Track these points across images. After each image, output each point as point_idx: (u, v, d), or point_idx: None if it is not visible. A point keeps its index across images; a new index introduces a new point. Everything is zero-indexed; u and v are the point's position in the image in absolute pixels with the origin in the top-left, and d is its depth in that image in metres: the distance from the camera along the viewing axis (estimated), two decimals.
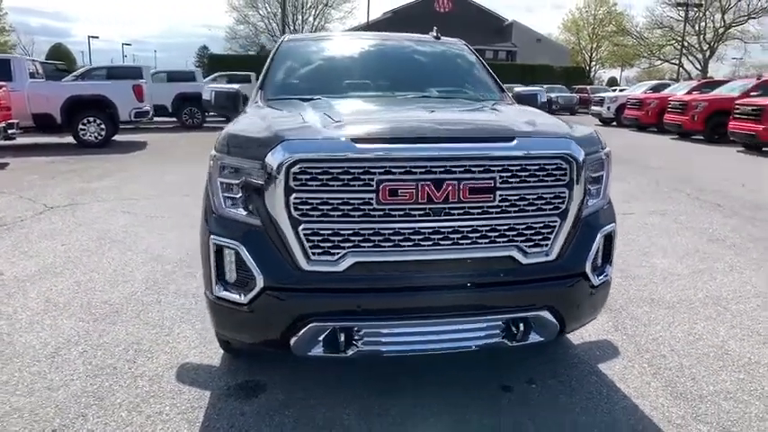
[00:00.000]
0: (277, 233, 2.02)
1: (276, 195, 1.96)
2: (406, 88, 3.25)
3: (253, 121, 2.31)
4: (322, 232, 1.99)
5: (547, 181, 2.08)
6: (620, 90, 27.96)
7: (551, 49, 53.31)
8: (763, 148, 12.26)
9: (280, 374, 2.61)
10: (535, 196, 2.07)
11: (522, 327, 2.15)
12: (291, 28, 43.68)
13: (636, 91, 21.27)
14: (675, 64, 43.91)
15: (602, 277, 2.32)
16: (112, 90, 10.81)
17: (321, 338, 2.07)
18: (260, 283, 2.03)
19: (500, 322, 2.13)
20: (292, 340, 2.07)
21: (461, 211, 2.02)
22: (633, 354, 2.87)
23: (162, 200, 6.43)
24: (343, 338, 2.05)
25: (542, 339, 2.25)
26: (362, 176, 1.95)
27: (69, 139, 11.39)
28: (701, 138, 14.40)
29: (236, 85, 3.54)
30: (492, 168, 2.00)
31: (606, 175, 2.37)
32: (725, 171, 9.37)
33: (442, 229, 2.02)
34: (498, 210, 2.04)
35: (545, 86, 24.67)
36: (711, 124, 14.05)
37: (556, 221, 2.13)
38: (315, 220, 1.98)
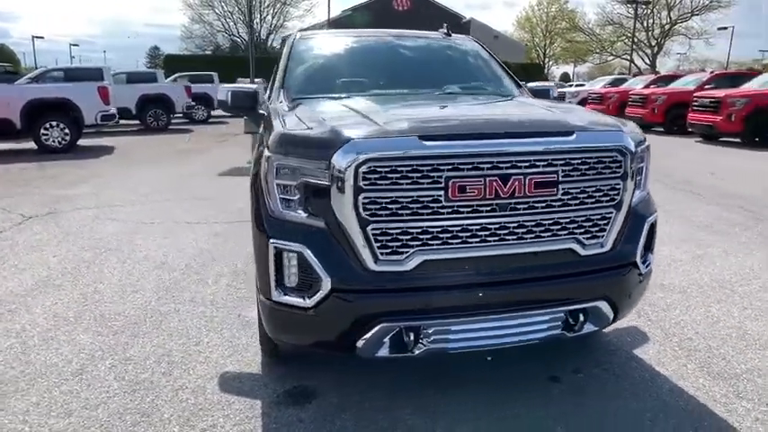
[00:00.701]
0: (343, 234, 1.98)
1: (344, 196, 1.92)
2: (430, 85, 3.24)
3: (303, 120, 2.25)
4: (391, 232, 1.97)
5: (604, 173, 2.12)
6: (577, 86, 28.87)
7: (508, 45, 54.37)
8: (721, 138, 12.94)
9: (327, 378, 2.56)
10: (593, 189, 2.12)
11: (581, 318, 2.20)
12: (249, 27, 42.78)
13: (596, 86, 22.00)
14: (626, 59, 45.67)
15: (646, 266, 2.39)
16: (77, 93, 10.30)
17: (388, 339, 2.05)
18: (327, 285, 1.99)
19: (562, 314, 2.17)
20: (360, 342, 2.04)
21: (526, 206, 2.03)
22: (662, 338, 2.97)
23: (146, 205, 6.19)
24: (411, 338, 2.03)
25: (596, 329, 2.31)
26: (431, 174, 1.93)
27: (29, 145, 10.80)
28: (661, 129, 15.06)
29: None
30: (555, 162, 2.03)
31: (647, 166, 2.44)
32: (691, 161, 9.83)
33: (508, 224, 2.04)
34: (560, 203, 2.07)
35: None
36: (671, 116, 14.72)
37: (611, 213, 2.17)
38: (384, 219, 1.95)
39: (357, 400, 2.40)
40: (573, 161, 2.05)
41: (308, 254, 2.00)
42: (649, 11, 43.83)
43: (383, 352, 2.07)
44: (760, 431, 2.19)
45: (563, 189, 2.06)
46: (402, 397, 2.42)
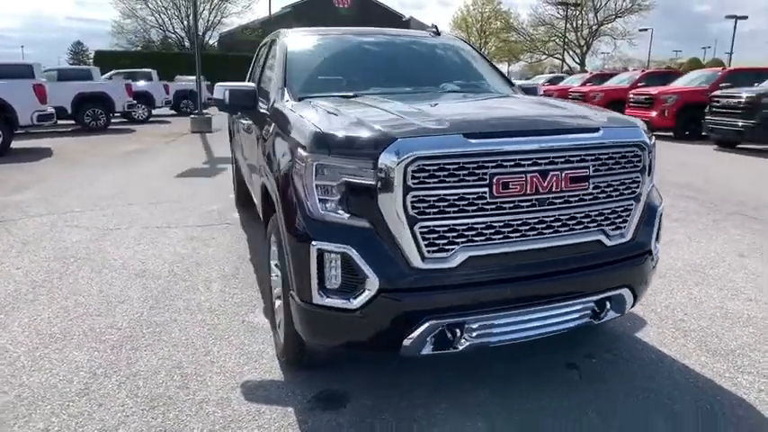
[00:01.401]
0: (389, 233, 1.97)
1: (393, 195, 1.91)
2: (430, 83, 3.28)
3: (334, 119, 2.21)
4: (437, 229, 1.98)
5: (626, 167, 2.23)
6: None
7: None
8: (656, 133, 13.83)
9: (353, 380, 2.53)
10: (618, 182, 2.22)
11: (607, 305, 2.31)
12: (184, 23, 41.15)
13: (539, 82, 22.89)
14: (558, 58, 47.90)
15: (657, 253, 2.54)
16: (10, 91, 9.48)
17: (433, 336, 2.05)
18: (375, 285, 1.96)
19: (592, 303, 2.26)
20: (407, 341, 2.03)
21: (562, 200, 2.10)
22: (657, 321, 3.16)
23: (106, 210, 5.82)
24: (457, 334, 2.05)
25: (617, 315, 2.42)
26: (477, 171, 1.96)
27: None
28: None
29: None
30: (586, 158, 2.11)
31: (654, 159, 2.58)
32: None
33: (546, 219, 2.10)
34: (591, 197, 2.16)
35: None
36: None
37: (632, 204, 2.29)
38: (431, 217, 1.96)
39: (391, 399, 2.39)
40: (601, 156, 2.15)
41: (355, 254, 1.96)
42: (578, 12, 46.12)
43: (427, 349, 2.08)
44: (766, 401, 2.38)
45: (593, 183, 2.15)
46: (435, 394, 2.43)
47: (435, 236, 1.98)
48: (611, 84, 16.96)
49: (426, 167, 1.91)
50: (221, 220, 5.48)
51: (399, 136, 1.94)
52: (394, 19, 52.13)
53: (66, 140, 12.64)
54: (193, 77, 24.43)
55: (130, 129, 15.53)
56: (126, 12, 40.73)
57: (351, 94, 2.95)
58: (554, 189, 2.06)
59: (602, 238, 2.23)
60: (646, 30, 46.75)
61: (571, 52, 48.33)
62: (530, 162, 2.01)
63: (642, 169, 2.27)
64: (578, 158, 2.09)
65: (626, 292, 2.33)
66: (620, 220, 2.27)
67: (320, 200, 2.05)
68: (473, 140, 1.95)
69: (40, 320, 3.19)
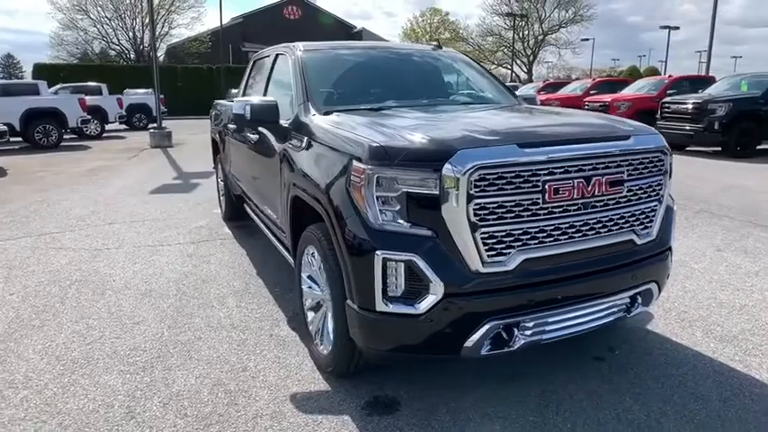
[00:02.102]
0: (451, 240, 2.06)
1: (456, 203, 2.01)
2: (442, 95, 3.41)
3: (389, 131, 2.28)
4: (496, 235, 2.09)
5: (653, 171, 2.42)
6: None
7: None
8: None
9: (399, 384, 2.59)
10: (646, 185, 2.41)
11: (638, 300, 2.49)
12: (129, 34, 39.79)
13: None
14: (507, 68, 49.59)
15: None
16: None
17: (491, 337, 2.16)
18: (440, 291, 2.05)
19: (627, 298, 2.43)
20: (468, 343, 2.13)
21: (602, 204, 2.27)
22: (663, 313, 3.39)
23: (87, 230, 5.60)
24: (513, 333, 2.17)
25: (644, 309, 2.61)
26: (531, 179, 2.09)
27: None
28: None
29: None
30: (622, 163, 2.29)
31: (672, 163, 2.79)
32: None
33: (589, 221, 2.25)
34: (625, 199, 2.34)
35: None
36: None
37: (657, 205, 2.49)
38: (491, 223, 2.07)
39: (441, 399, 2.47)
40: (633, 161, 2.33)
41: (420, 262, 2.05)
42: (524, 23, 47.98)
43: (485, 350, 2.18)
44: None
45: (627, 186, 2.32)
46: (479, 392, 2.53)
47: (494, 241, 2.09)
48: (565, 92, 17.79)
49: (486, 176, 2.02)
50: (213, 236, 5.40)
51: (460, 147, 2.04)
52: (344, 30, 52.48)
53: (17, 159, 11.97)
54: (144, 91, 23.87)
55: (84, 145, 14.87)
56: (66, 23, 38.97)
57: (375, 107, 3.04)
58: (596, 193, 2.22)
59: (634, 237, 2.42)
60: (587, 39, 49.27)
61: (519, 62, 50.15)
62: (576, 168, 2.17)
63: (664, 172, 2.47)
64: (615, 164, 2.27)
65: (653, 287, 2.53)
66: (648, 219, 2.47)
67: (380, 211, 2.12)
68: (527, 150, 2.09)
69: (55, 346, 3.07)
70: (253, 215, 4.68)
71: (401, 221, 2.11)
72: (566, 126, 2.46)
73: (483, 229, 2.06)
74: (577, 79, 27.97)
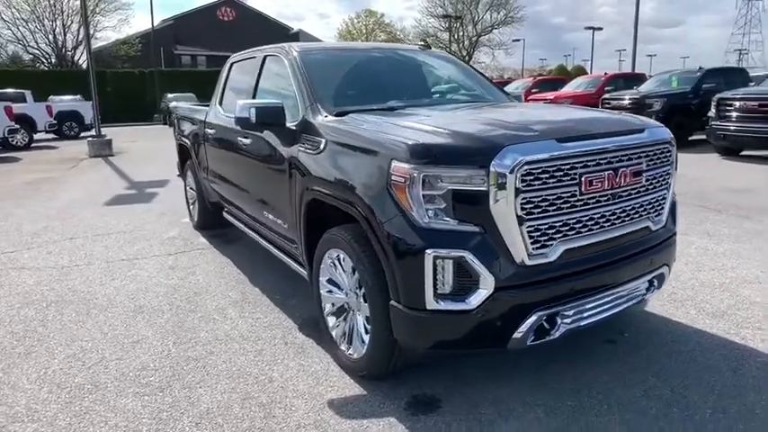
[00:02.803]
0: (498, 235, 2.10)
1: (505, 199, 2.05)
2: (441, 93, 3.45)
3: (427, 129, 2.29)
4: (540, 227, 2.15)
5: (663, 162, 2.58)
6: None
7: None
8: None
9: (435, 381, 2.60)
10: (659, 175, 2.56)
11: (655, 282, 2.64)
12: (51, 37, 37.16)
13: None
14: None
15: None
16: None
17: (536, 327, 2.22)
18: (491, 285, 2.09)
19: (647, 282, 2.58)
20: (516, 334, 2.18)
21: (626, 193, 2.39)
22: (656, 296, 3.60)
23: (48, 247, 5.20)
24: (556, 322, 2.24)
25: (658, 290, 2.77)
26: (570, 172, 2.17)
27: None
28: None
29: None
30: (641, 155, 2.43)
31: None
32: None
33: (617, 210, 2.37)
34: (644, 189, 2.48)
35: None
36: None
37: (666, 194, 2.65)
38: (535, 216, 2.13)
39: (479, 393, 2.50)
40: (649, 153, 2.47)
41: (471, 258, 2.07)
42: (459, 25, 49.29)
43: (530, 341, 2.24)
44: None
45: (645, 177, 2.46)
46: (515, 384, 2.58)
47: (538, 233, 2.15)
48: (508, 90, 18.39)
49: (532, 171, 2.08)
50: (190, 246, 5.17)
51: (506, 143, 2.09)
52: (281, 31, 51.63)
53: None
54: (72, 97, 22.36)
55: (14, 157, 13.74)
56: None
57: (384, 107, 3.03)
58: (622, 184, 2.34)
59: (650, 224, 2.56)
60: (518, 40, 51.32)
61: None
62: (606, 161, 2.27)
63: (671, 163, 2.64)
64: (636, 156, 2.40)
65: (665, 270, 2.69)
66: (660, 207, 2.62)
67: (427, 210, 2.13)
68: (565, 144, 2.17)
69: (52, 373, 2.83)
70: (237, 223, 4.54)
71: (447, 219, 2.13)
72: (590, 121, 2.57)
73: (528, 223, 2.11)
74: (510, 79, 29.12)
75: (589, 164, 2.22)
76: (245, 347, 3.07)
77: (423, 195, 2.12)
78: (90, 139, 13.57)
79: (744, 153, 10.06)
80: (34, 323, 3.47)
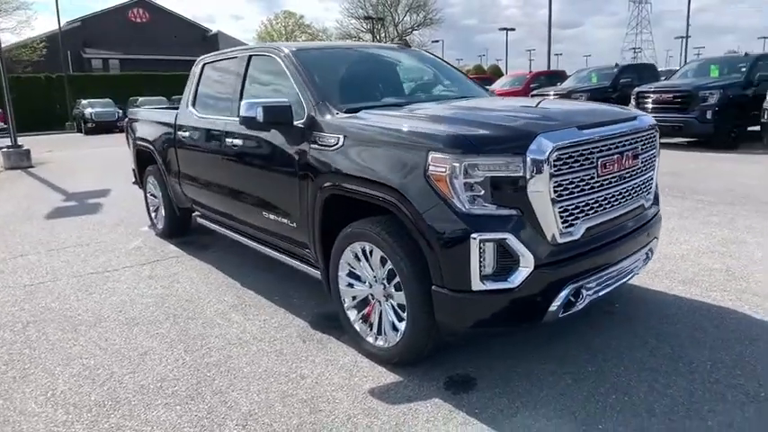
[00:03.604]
0: (534, 217, 2.28)
1: (542, 183, 2.23)
2: (429, 90, 3.61)
3: (460, 120, 2.43)
4: (568, 208, 2.35)
5: (650, 145, 2.88)
6: None
7: None
8: None
9: (466, 361, 2.73)
10: (648, 157, 2.86)
11: (649, 254, 2.94)
12: None
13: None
14: None
15: None
16: None
17: (566, 300, 2.42)
18: (531, 263, 2.25)
19: (644, 253, 2.87)
20: (551, 308, 2.36)
21: (629, 174, 2.66)
22: (652, 272, 3.93)
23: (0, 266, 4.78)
24: (582, 294, 2.45)
25: (650, 261, 3.08)
26: (589, 156, 2.39)
27: None
28: None
29: None
30: (638, 139, 2.70)
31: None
32: None
33: (622, 190, 2.63)
34: (639, 170, 2.76)
35: None
36: None
37: (653, 175, 2.96)
38: (564, 198, 2.33)
39: (509, 368, 2.67)
40: (642, 138, 2.76)
41: (512, 240, 2.22)
42: (381, 26, 49.92)
43: (561, 313, 2.43)
44: (741, 307, 3.28)
45: (641, 159, 2.75)
46: (537, 355, 2.78)
47: (566, 213, 2.35)
48: None
49: (561, 156, 2.27)
50: (162, 255, 4.95)
51: (539, 131, 2.26)
52: (198, 33, 49.67)
53: None
54: None
55: None
56: None
57: (389, 103, 3.12)
58: (626, 166, 2.60)
59: (644, 202, 2.86)
60: (437, 41, 52.90)
61: None
62: (614, 145, 2.52)
63: (656, 147, 2.95)
64: (635, 140, 2.67)
65: (655, 242, 3.01)
66: (650, 186, 2.93)
67: (469, 196, 2.25)
68: (584, 131, 2.38)
69: (61, 394, 2.66)
70: (220, 228, 4.41)
71: (486, 204, 2.26)
72: (595, 111, 2.82)
73: (559, 204, 2.31)
74: None
75: (603, 148, 2.45)
76: (263, 348, 3.03)
77: (465, 183, 2.24)
78: (5, 149, 12.40)
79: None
80: (17, 345, 3.21)
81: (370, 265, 2.73)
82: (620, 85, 12.81)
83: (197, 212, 4.90)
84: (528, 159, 2.21)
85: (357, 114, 2.87)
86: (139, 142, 5.42)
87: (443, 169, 2.26)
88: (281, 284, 3.96)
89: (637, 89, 10.81)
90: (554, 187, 2.27)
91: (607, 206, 2.54)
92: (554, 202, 2.28)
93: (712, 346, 2.82)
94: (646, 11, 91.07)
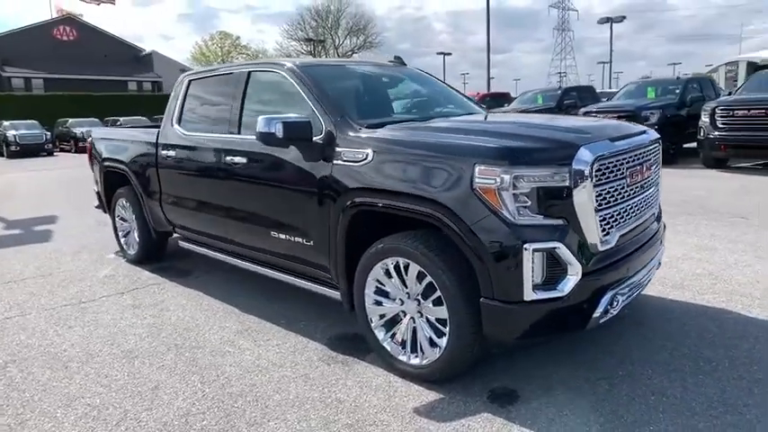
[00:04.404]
0: (579, 225, 2.34)
1: (586, 192, 2.31)
2: (433, 107, 3.67)
3: (500, 134, 2.47)
4: (606, 216, 2.44)
5: (657, 157, 3.05)
6: None
7: None
8: None
9: (501, 375, 2.73)
10: (656, 168, 3.03)
11: (661, 260, 3.10)
12: None
13: None
14: None
15: None
16: None
17: (606, 306, 2.49)
18: (578, 271, 2.30)
19: (658, 260, 3.01)
20: (595, 314, 2.42)
21: (647, 184, 2.80)
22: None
23: None
24: (617, 300, 2.53)
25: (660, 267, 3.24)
26: (620, 166, 2.51)
27: None
28: None
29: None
30: (652, 151, 2.87)
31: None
32: None
33: (644, 198, 2.77)
34: (652, 180, 2.92)
35: None
36: None
37: (659, 181, 3.14)
38: (603, 207, 2.42)
39: (546, 378, 2.69)
40: (654, 150, 2.93)
41: (562, 249, 2.27)
42: (321, 48, 50.28)
43: (602, 319, 2.49)
44: (733, 308, 3.51)
45: (653, 170, 2.91)
46: (566, 365, 2.82)
47: (604, 222, 2.43)
48: None
49: (600, 167, 2.36)
50: (140, 283, 4.63)
51: (581, 143, 2.34)
52: (130, 53, 47.79)
53: None
54: None
55: None
56: None
57: (408, 118, 3.13)
58: (645, 176, 2.75)
59: (654, 210, 3.02)
60: None
61: None
62: (639, 156, 2.66)
63: (660, 158, 3.14)
64: (650, 152, 2.83)
65: (663, 249, 3.17)
66: (658, 195, 3.10)
67: (516, 207, 2.28)
68: (616, 143, 2.49)
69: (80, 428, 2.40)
70: (210, 252, 4.19)
71: (533, 214, 2.30)
72: (615, 125, 2.95)
73: (600, 213, 2.39)
74: None
75: (631, 159, 2.58)
76: (286, 375, 2.89)
77: (514, 195, 2.27)
78: None
79: None
80: (4, 389, 2.87)
81: (403, 281, 2.69)
82: (565, 105, 13.56)
83: (178, 236, 4.64)
84: (573, 170, 2.28)
85: (382, 129, 2.85)
86: (109, 163, 5.09)
87: (492, 181, 2.28)
88: (281, 307, 3.81)
89: (583, 109, 11.49)
90: (595, 196, 2.35)
91: (633, 214, 2.66)
92: (596, 210, 2.36)
93: (723, 344, 2.99)
94: (569, 38, 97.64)
